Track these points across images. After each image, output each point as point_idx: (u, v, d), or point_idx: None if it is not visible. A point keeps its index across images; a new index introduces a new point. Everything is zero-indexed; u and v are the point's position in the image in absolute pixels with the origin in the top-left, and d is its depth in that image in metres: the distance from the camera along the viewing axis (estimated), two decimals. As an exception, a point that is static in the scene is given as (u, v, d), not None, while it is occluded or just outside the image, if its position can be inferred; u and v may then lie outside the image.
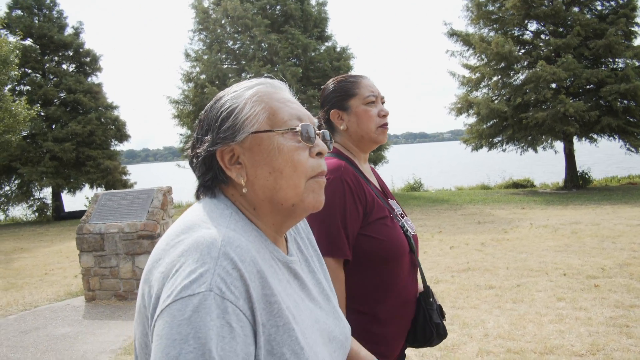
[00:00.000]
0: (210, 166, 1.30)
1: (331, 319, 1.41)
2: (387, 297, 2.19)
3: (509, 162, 30.69)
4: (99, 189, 27.08)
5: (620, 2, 22.47)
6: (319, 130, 1.37)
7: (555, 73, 20.62)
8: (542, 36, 23.72)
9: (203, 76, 23.20)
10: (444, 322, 2.34)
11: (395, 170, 30.69)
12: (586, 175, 23.97)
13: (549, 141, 23.94)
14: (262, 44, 22.95)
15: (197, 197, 1.34)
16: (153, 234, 8.33)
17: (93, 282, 8.52)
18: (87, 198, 26.53)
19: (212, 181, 1.30)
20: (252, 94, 1.30)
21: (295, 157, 1.26)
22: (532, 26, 24.35)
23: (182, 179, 25.29)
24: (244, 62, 23.22)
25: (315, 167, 1.29)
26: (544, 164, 30.22)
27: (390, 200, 2.42)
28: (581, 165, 24.44)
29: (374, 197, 2.25)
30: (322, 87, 2.52)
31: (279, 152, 1.25)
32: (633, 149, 22.61)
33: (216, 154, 1.27)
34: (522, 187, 25.92)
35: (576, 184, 23.22)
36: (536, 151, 24.60)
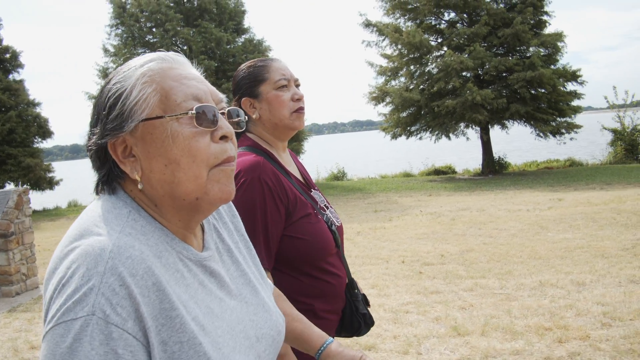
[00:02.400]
0: (105, 160, 1.15)
1: (260, 314, 1.31)
2: (320, 292, 2.13)
3: (434, 149, 31.17)
4: (23, 187, 26.74)
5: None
6: (225, 108, 1.21)
7: (463, 62, 21.11)
8: (458, 25, 24.16)
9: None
10: (369, 310, 2.30)
11: (326, 160, 30.97)
12: (502, 161, 24.57)
13: (460, 129, 24.42)
14: (176, 38, 22.96)
15: (97, 193, 1.20)
16: (6, 233, 8.56)
17: (-44, 277, 8.70)
18: (11, 196, 26.23)
19: (108, 176, 1.15)
20: (142, 73, 1.13)
21: (193, 145, 1.11)
22: (449, 15, 24.82)
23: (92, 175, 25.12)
24: (158, 57, 23.18)
25: (218, 154, 1.14)
26: (468, 151, 30.72)
27: (313, 192, 2.31)
28: (497, 151, 25.03)
29: (296, 194, 2.14)
30: (233, 76, 2.32)
31: (174, 141, 1.10)
32: (542, 135, 23.30)
33: (107, 146, 1.13)
34: (443, 174, 26.44)
35: (492, 170, 23.79)
36: (449, 138, 25.11)
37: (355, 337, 2.36)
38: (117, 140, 1.12)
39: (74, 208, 25.73)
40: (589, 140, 34.89)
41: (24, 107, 26.57)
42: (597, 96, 29.89)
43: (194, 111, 1.11)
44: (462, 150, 33.12)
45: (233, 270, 1.33)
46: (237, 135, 1.93)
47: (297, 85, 2.26)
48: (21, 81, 27.33)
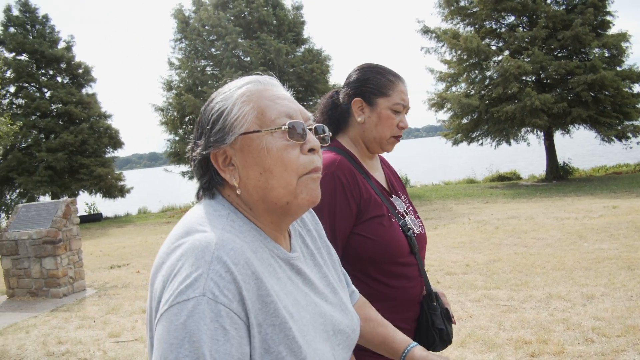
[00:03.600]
0: (207, 169, 1.32)
1: (338, 312, 1.43)
2: (384, 298, 2.12)
3: (501, 155, 30.70)
4: (97, 195, 28.26)
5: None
6: (313, 125, 1.36)
7: (521, 66, 20.76)
8: (519, 29, 23.77)
9: (182, 84, 23.98)
10: (450, 327, 2.27)
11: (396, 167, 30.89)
12: (567, 167, 23.97)
13: (521, 134, 23.99)
14: (235, 51, 23.61)
15: (198, 198, 1.38)
16: (54, 240, 9.41)
17: (12, 281, 9.66)
18: (87, 204, 27.71)
19: (210, 183, 1.32)
20: (241, 94, 1.30)
21: (285, 156, 1.25)
22: (509, 19, 24.45)
23: (174, 182, 26.13)
24: (219, 69, 23.91)
25: (307, 164, 1.28)
26: (535, 156, 30.08)
27: (394, 197, 2.31)
28: (563, 156, 24.43)
29: (371, 194, 2.16)
30: (359, 66, 2.34)
31: (268, 152, 1.25)
32: (606, 139, 22.61)
33: (210, 157, 1.29)
34: (507, 180, 26.01)
35: (556, 176, 23.26)
36: (509, 144, 24.69)
37: None
38: (219, 151, 1.28)
39: (143, 215, 26.82)
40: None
41: (96, 119, 28.05)
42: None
43: (286, 126, 1.26)
44: (529, 155, 32.41)
45: (315, 272, 1.46)
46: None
47: (406, 113, 2.30)
48: (94, 94, 28.90)
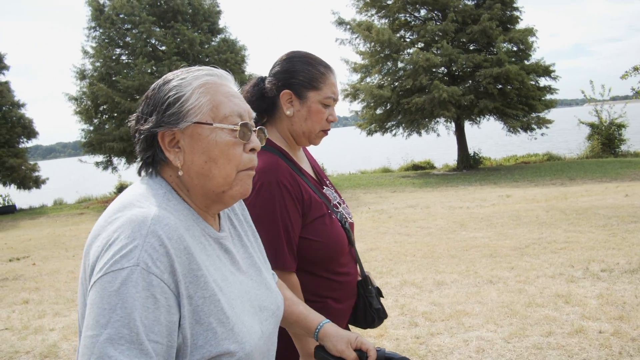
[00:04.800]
0: (151, 145, 1.38)
1: (262, 290, 1.53)
2: (332, 291, 2.17)
3: (418, 145, 31.38)
4: (11, 186, 27.44)
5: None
6: (256, 128, 1.47)
7: (430, 59, 21.28)
8: (432, 22, 24.29)
9: (96, 73, 23.53)
10: (382, 303, 2.32)
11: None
12: (477, 157, 24.74)
13: (431, 125, 24.63)
14: (150, 40, 23.35)
15: (139, 173, 1.45)
16: None
17: None
18: (0, 195, 26.86)
19: (152, 159, 1.39)
20: (200, 84, 1.37)
21: (231, 151, 1.36)
22: (423, 12, 24.97)
23: (92, 173, 25.71)
24: (133, 58, 23.59)
25: (247, 162, 1.40)
26: (449, 147, 30.89)
27: (325, 189, 2.30)
28: (472, 146, 25.19)
29: (310, 195, 2.15)
30: (287, 54, 2.25)
31: (216, 144, 1.35)
32: (512, 130, 23.45)
33: (157, 135, 1.36)
34: (421, 169, 26.64)
35: (466, 165, 23.99)
36: (420, 135, 25.32)
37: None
38: (168, 132, 1.36)
39: (59, 206, 26.19)
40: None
41: (8, 109, 27.12)
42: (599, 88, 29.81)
43: (238, 126, 1.37)
44: (444, 145, 33.22)
45: (242, 252, 1.56)
46: None
47: (334, 105, 2.26)
48: (6, 83, 27.87)
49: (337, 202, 2.29)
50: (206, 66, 1.45)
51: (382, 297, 2.36)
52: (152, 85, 1.43)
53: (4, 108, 27.19)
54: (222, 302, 1.29)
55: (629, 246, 7.83)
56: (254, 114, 1.48)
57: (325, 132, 2.24)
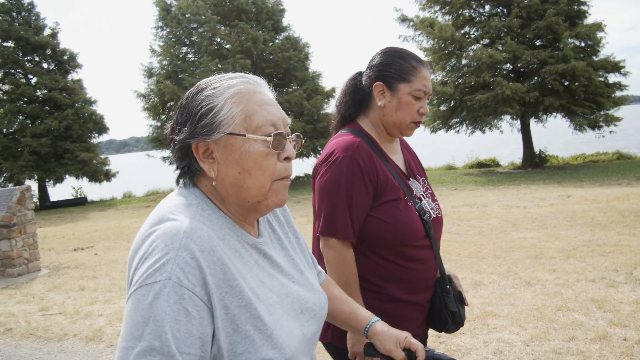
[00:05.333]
0: (186, 155, 1.39)
1: (305, 291, 1.52)
2: (399, 280, 2.19)
3: (484, 142, 30.96)
4: (83, 179, 28.79)
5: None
6: (292, 135, 1.45)
7: (493, 56, 20.99)
8: (496, 18, 23.92)
9: (163, 71, 24.35)
10: (463, 309, 2.32)
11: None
12: (543, 154, 24.24)
13: (495, 122, 24.26)
14: (214, 38, 23.96)
15: (177, 182, 1.47)
16: (9, 224, 9.98)
17: (-24, 261, 10.24)
18: (73, 188, 28.20)
19: (188, 168, 1.40)
20: (233, 94, 1.37)
21: (264, 162, 1.35)
22: (486, 8, 24.62)
23: (163, 166, 26.57)
24: (198, 56, 24.27)
25: (281, 171, 1.39)
26: (515, 144, 30.39)
27: (411, 181, 2.34)
28: (538, 144, 24.69)
29: (388, 177, 2.20)
30: (382, 49, 2.35)
31: (250, 155, 1.34)
32: (579, 128, 22.87)
33: (191, 145, 1.36)
34: (485, 167, 26.29)
35: (532, 163, 23.54)
36: (484, 132, 24.98)
37: None
38: (201, 143, 1.36)
39: (128, 199, 27.25)
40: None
41: (81, 105, 28.45)
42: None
43: (271, 137, 1.36)
44: (512, 143, 32.69)
45: (283, 255, 1.56)
46: (348, 121, 2.38)
47: (427, 99, 2.30)
48: (79, 80, 29.34)
49: (422, 195, 2.32)
50: (239, 73, 1.45)
51: (466, 304, 2.35)
52: (186, 94, 1.43)
53: (76, 105, 28.51)
54: (259, 309, 1.30)
55: (682, 250, 7.62)
56: (289, 121, 1.46)
57: (417, 124, 2.29)
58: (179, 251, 1.21)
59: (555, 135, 31.32)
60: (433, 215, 2.29)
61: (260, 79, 1.46)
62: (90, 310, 7.04)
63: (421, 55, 24.42)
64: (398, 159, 2.36)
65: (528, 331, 5.03)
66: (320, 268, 1.84)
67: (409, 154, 2.49)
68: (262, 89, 1.43)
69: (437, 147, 40.38)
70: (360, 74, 2.37)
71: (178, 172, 1.45)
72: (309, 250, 1.77)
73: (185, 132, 1.36)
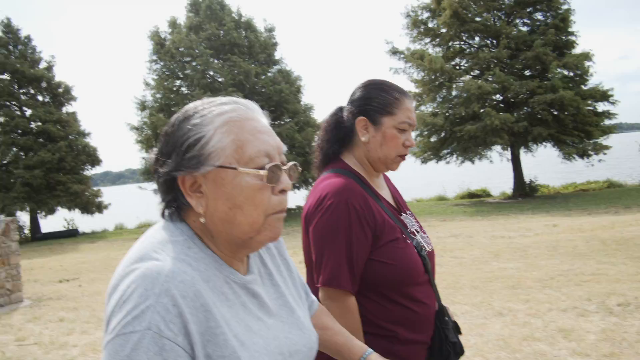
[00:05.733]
0: (172, 188, 1.27)
1: (294, 332, 1.42)
2: (406, 321, 2.10)
3: (473, 173, 31.06)
4: (74, 210, 28.88)
5: (550, 14, 22.91)
6: (287, 165, 1.33)
7: (481, 87, 21.22)
8: (485, 49, 24.22)
9: (156, 104, 24.64)
10: (459, 338, 2.25)
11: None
12: (533, 184, 24.36)
13: (485, 153, 24.43)
14: (207, 72, 24.28)
15: (162, 216, 1.33)
16: None
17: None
18: (65, 220, 28.25)
19: (174, 202, 1.28)
20: (223, 122, 1.24)
21: (258, 196, 1.23)
22: (476, 39, 24.96)
23: (150, 200, 26.65)
24: (191, 89, 24.56)
25: (276, 205, 1.27)
26: (506, 174, 30.59)
27: (403, 216, 2.27)
28: (528, 174, 24.82)
29: (384, 218, 2.11)
30: (363, 83, 2.26)
31: (242, 190, 1.22)
32: (567, 157, 23.04)
33: (177, 179, 1.24)
34: (477, 197, 26.37)
35: (522, 193, 23.64)
36: (473, 162, 25.10)
37: None
38: (188, 176, 1.23)
39: (119, 231, 27.27)
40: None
41: (75, 137, 28.71)
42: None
43: (265, 170, 1.23)
44: (503, 173, 32.89)
45: (272, 292, 1.44)
46: (331, 159, 2.25)
47: (412, 130, 2.23)
48: (73, 113, 29.74)
49: (415, 230, 2.24)
50: (230, 97, 1.33)
51: (460, 333, 2.28)
52: (172, 120, 1.31)
53: (70, 137, 28.74)
54: (243, 358, 1.20)
55: (659, 280, 7.66)
56: (284, 148, 1.34)
57: (402, 157, 2.21)
58: (159, 297, 1.11)
59: (548, 164, 31.47)
60: (428, 250, 2.23)
61: (253, 104, 1.34)
62: (65, 341, 7.05)
63: (412, 87, 24.88)
64: (386, 194, 2.30)
65: (491, 362, 5.06)
66: (313, 298, 1.75)
67: (393, 188, 2.42)
68: (255, 115, 1.31)
69: (426, 179, 40.49)
70: (341, 109, 2.29)
71: (164, 206, 1.32)
72: (302, 279, 1.67)
73: (170, 164, 1.24)
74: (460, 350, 2.20)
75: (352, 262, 2.02)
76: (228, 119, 1.25)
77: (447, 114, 23.67)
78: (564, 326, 5.91)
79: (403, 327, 2.08)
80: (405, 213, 2.29)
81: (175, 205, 1.28)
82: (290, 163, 1.34)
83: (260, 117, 1.32)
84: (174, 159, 1.24)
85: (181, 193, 1.25)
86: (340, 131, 2.24)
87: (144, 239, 1.27)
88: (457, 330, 2.24)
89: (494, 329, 6.02)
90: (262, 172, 1.23)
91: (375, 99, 2.15)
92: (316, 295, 2.01)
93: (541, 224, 15.36)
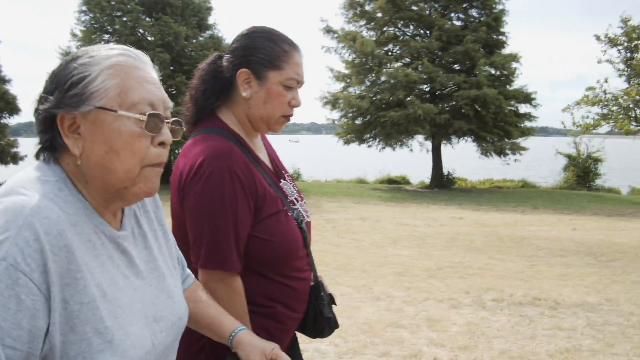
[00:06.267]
0: (50, 127, 1.22)
1: (162, 298, 1.36)
2: (283, 296, 1.96)
3: (394, 159, 31.48)
4: (-13, 161, 27.60)
5: (485, 12, 23.31)
6: (171, 119, 1.30)
7: (408, 75, 21.40)
8: (417, 39, 24.42)
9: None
10: (333, 312, 2.13)
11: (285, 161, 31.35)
12: (450, 176, 24.87)
13: (406, 141, 24.77)
14: (137, 29, 23.57)
15: (37, 157, 1.27)
16: None
17: None
18: (-21, 170, 27.04)
19: (51, 142, 1.23)
20: (110, 65, 1.21)
21: (136, 143, 1.20)
22: (410, 28, 25.14)
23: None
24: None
25: (154, 157, 1.24)
26: (427, 164, 31.22)
27: (282, 183, 2.07)
28: (447, 166, 25.33)
29: (265, 188, 1.92)
30: (247, 29, 2.01)
31: (120, 134, 1.19)
32: (485, 154, 23.61)
33: (57, 117, 1.20)
34: (395, 184, 26.72)
35: (439, 184, 24.08)
36: (394, 149, 25.41)
37: None
38: (68, 115, 1.19)
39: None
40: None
41: (-9, 84, 27.23)
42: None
43: (145, 117, 1.20)
44: (424, 163, 33.60)
45: (144, 255, 1.38)
46: (206, 114, 1.98)
47: (299, 88, 2.01)
48: (-9, 58, 28.04)
49: (295, 198, 2.07)
50: (123, 45, 1.29)
51: (335, 304, 2.17)
52: (60, 62, 1.26)
53: (-14, 84, 27.32)
54: (102, 309, 1.15)
55: (539, 279, 7.89)
56: (170, 104, 1.31)
57: (287, 117, 1.99)
58: (20, 229, 1.06)
59: (470, 159, 32.17)
60: (306, 220, 2.08)
61: (144, 56, 1.30)
62: None
63: (342, 67, 24.89)
64: (264, 157, 2.08)
65: (348, 344, 5.07)
66: (189, 272, 1.69)
67: (271, 149, 2.20)
68: (145, 66, 1.27)
69: (349, 160, 40.81)
70: (220, 57, 2.00)
71: (38, 146, 1.26)
72: (180, 254, 1.62)
73: (51, 101, 1.19)
74: (334, 325, 2.10)
75: (238, 239, 1.83)
76: (115, 62, 1.22)
77: (374, 99, 23.77)
78: (433, 316, 6.00)
79: (281, 305, 1.95)
80: (285, 179, 2.11)
81: (51, 146, 1.23)
82: (174, 119, 1.32)
83: (150, 70, 1.30)
84: (56, 96, 1.20)
85: (59, 133, 1.21)
86: (218, 82, 1.97)
87: (14, 178, 1.21)
88: (331, 302, 2.14)
89: (365, 313, 6.06)
90: (142, 117, 1.20)
91: (260, 50, 1.91)
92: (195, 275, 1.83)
93: (449, 215, 15.69)
